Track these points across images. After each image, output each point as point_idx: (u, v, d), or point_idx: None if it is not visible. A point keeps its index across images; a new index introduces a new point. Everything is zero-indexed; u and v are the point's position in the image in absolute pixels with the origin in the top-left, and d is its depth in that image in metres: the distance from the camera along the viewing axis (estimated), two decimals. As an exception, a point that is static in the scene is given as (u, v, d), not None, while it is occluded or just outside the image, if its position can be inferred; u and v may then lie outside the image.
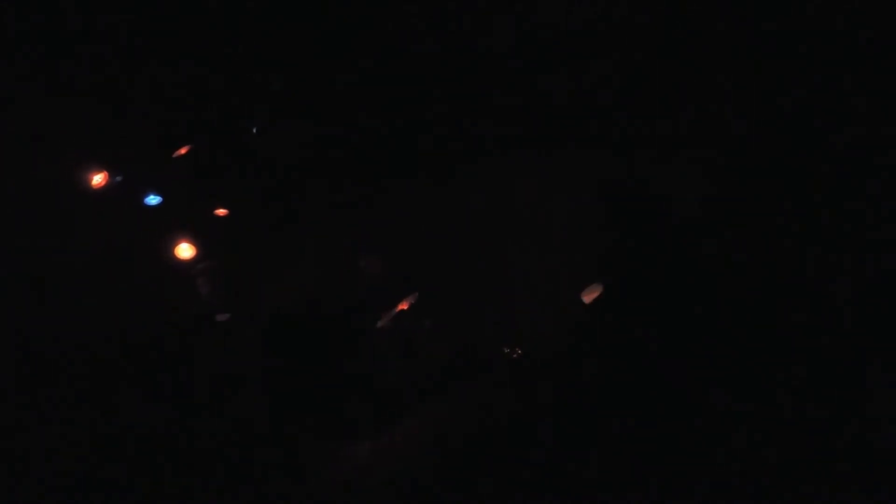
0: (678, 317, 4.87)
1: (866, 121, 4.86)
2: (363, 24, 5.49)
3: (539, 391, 5.01)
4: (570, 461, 4.72)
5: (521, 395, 5.06)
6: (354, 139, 5.53)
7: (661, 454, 4.60)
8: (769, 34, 4.98)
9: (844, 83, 4.91)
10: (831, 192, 4.83)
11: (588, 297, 5.14)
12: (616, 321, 5.04)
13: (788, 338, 4.59)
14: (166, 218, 5.44)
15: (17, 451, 4.93)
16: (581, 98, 5.34)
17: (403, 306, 5.25)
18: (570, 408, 4.88)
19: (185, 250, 5.40)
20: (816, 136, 4.89)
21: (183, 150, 5.49)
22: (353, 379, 5.21)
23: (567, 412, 4.87)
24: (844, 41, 4.92)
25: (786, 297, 4.70)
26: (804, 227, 4.84)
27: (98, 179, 5.40)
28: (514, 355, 5.17)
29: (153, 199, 5.43)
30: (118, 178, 5.42)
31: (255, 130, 5.54)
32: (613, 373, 4.89)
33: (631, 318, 4.99)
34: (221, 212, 5.48)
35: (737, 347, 4.64)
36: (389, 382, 5.20)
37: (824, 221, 4.82)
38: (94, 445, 5.00)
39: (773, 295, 4.74)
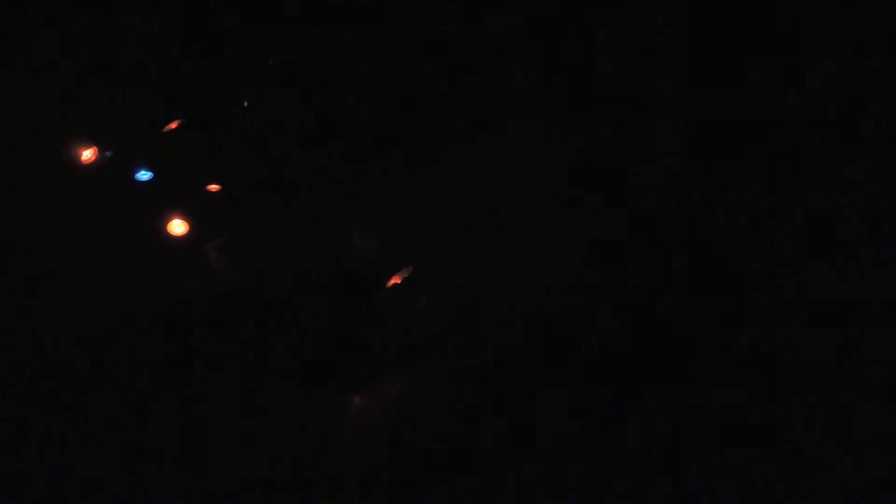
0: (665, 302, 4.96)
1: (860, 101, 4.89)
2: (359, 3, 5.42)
3: (533, 365, 5.09)
4: (566, 440, 4.82)
5: (514, 369, 5.14)
6: (348, 113, 5.48)
7: (654, 435, 4.72)
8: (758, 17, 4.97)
9: (838, 66, 4.93)
10: (821, 176, 4.89)
11: None
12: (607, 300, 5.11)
13: (776, 328, 4.70)
14: (157, 194, 5.37)
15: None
16: (573, 78, 5.33)
17: (396, 280, 5.28)
18: (563, 384, 4.98)
19: (177, 226, 5.35)
20: (806, 119, 4.92)
21: (173, 125, 5.41)
22: (348, 353, 5.27)
23: (560, 388, 4.96)
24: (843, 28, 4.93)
25: (772, 285, 4.79)
26: (792, 213, 4.90)
27: (87, 155, 5.32)
28: (509, 329, 5.22)
29: (144, 175, 5.37)
30: (108, 154, 5.33)
31: (246, 104, 5.46)
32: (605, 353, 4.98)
33: (623, 301, 5.07)
34: (213, 187, 5.42)
35: (725, 338, 4.75)
36: (385, 356, 5.26)
37: (813, 208, 4.89)
38: (85, 422, 5.03)
39: (759, 282, 4.82)
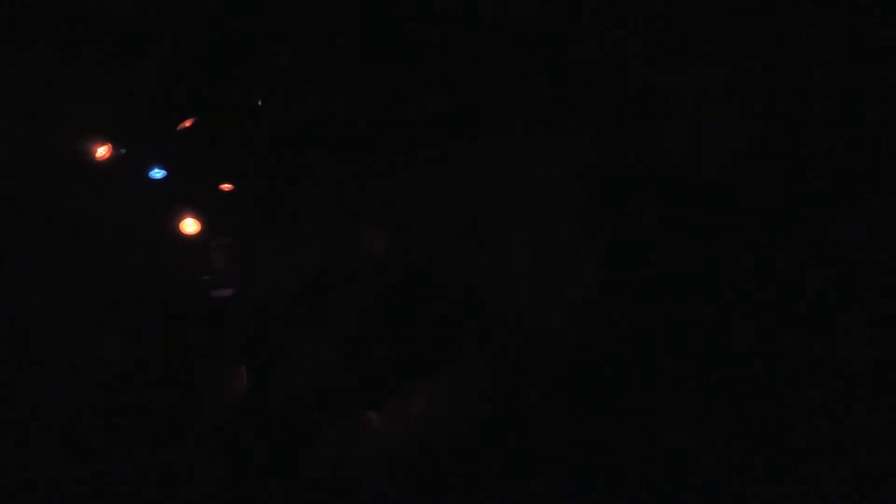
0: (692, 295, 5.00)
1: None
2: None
3: (538, 371, 5.14)
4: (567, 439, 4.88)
5: (519, 375, 5.19)
6: (360, 113, 5.51)
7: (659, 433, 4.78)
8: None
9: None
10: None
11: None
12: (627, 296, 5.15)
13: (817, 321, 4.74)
14: (170, 192, 5.38)
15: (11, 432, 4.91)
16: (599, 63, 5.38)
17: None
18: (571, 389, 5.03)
19: (189, 225, 5.37)
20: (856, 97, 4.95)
21: (187, 123, 5.42)
22: (355, 354, 5.30)
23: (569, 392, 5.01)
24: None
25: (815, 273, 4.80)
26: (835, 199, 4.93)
27: (102, 152, 5.32)
28: (515, 333, 5.27)
29: (157, 173, 5.38)
30: (122, 151, 5.34)
31: (259, 103, 5.49)
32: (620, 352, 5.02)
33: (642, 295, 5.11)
34: (226, 186, 5.45)
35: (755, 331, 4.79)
36: (390, 358, 5.29)
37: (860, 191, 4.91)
38: (91, 419, 5.02)
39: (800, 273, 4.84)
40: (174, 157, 5.40)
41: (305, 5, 5.49)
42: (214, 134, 5.46)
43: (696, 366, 4.95)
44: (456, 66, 5.50)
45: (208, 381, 5.24)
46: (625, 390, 4.98)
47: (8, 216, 5.13)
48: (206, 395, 5.20)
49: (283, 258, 5.44)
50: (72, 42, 5.29)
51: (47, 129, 5.21)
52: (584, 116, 5.39)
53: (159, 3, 5.38)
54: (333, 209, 5.47)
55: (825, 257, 4.99)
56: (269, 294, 5.38)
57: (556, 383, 5.06)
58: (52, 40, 5.25)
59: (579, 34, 5.43)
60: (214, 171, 5.45)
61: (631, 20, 5.37)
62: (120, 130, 5.34)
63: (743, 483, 4.68)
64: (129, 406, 5.08)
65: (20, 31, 5.23)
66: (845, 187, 5.02)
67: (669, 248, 5.21)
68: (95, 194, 5.28)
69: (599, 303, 5.18)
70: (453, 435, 4.99)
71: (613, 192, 5.36)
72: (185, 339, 5.27)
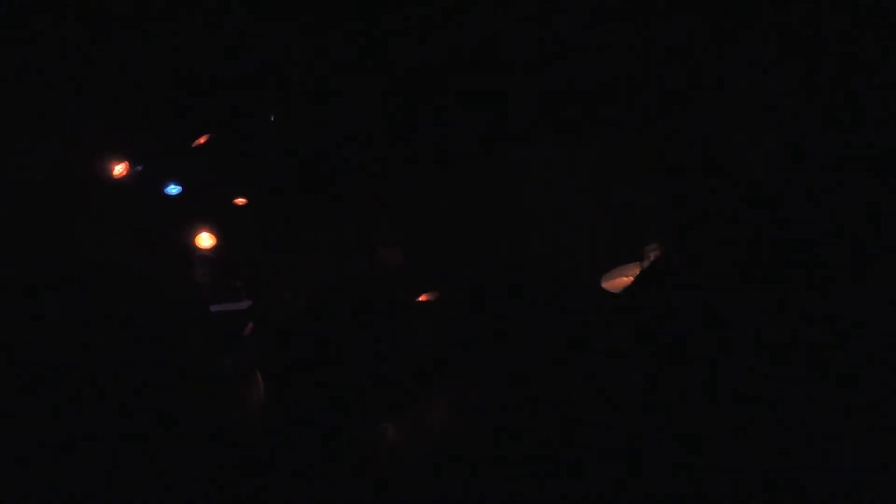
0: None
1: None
2: (382, 14, 5.50)
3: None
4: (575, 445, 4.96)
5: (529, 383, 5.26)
6: (374, 129, 5.59)
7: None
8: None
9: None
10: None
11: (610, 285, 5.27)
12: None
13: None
14: (186, 207, 5.55)
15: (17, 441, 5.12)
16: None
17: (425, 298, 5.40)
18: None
19: (205, 239, 5.53)
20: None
21: (202, 140, 5.56)
22: (368, 370, 5.41)
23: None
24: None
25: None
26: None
27: (119, 169, 5.49)
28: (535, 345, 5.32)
29: (173, 189, 5.54)
30: (139, 168, 5.51)
31: (272, 119, 5.61)
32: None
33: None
34: (241, 201, 5.59)
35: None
36: (405, 372, 5.40)
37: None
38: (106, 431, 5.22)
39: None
40: (190, 173, 5.55)
41: (319, 23, 5.55)
42: (228, 150, 5.59)
43: (696, 365, 4.98)
44: (457, 70, 5.53)
45: (225, 389, 5.41)
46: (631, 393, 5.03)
47: (26, 232, 5.32)
48: (222, 404, 5.37)
49: (299, 270, 5.57)
50: (88, 61, 5.42)
51: (65, 148, 5.38)
52: (586, 117, 5.40)
53: (174, 22, 5.48)
54: (348, 222, 5.57)
55: (825, 257, 4.96)
56: (285, 305, 5.52)
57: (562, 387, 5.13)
58: (69, 59, 5.38)
59: (579, 34, 5.40)
60: (229, 186, 5.59)
61: (631, 20, 5.32)
62: (137, 148, 5.50)
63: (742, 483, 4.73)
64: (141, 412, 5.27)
65: (38, 52, 5.37)
66: (845, 186, 4.96)
67: (672, 247, 5.22)
68: (113, 211, 5.46)
69: (602, 303, 5.24)
70: (465, 444, 5.09)
71: (619, 192, 5.38)
72: (201, 349, 5.45)
